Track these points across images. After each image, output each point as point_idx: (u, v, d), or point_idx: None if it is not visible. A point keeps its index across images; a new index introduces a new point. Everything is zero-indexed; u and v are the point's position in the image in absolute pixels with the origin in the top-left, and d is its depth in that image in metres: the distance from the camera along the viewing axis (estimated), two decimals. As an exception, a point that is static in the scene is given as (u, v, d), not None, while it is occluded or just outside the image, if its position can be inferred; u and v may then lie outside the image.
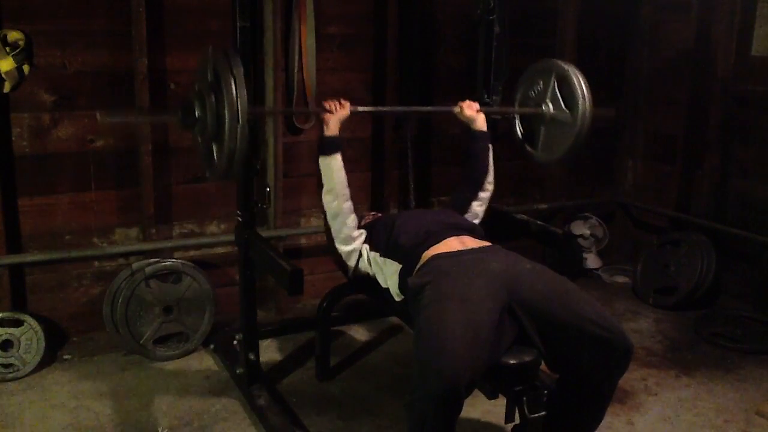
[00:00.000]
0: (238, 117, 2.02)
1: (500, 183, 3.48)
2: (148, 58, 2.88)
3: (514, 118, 2.88)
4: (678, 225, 3.88)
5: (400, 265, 2.23)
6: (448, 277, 2.00)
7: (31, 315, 2.80)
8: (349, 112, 2.43)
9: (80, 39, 2.82)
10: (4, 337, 2.72)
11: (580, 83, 2.61)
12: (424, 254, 2.17)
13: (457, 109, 2.68)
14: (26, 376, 2.74)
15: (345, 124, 2.46)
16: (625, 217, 4.29)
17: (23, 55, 2.70)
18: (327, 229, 2.43)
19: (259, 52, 3.07)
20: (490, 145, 2.69)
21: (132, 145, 2.96)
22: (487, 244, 2.26)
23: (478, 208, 2.64)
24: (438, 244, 2.18)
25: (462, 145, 2.75)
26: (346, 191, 2.38)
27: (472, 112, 2.66)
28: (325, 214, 2.41)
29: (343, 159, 2.38)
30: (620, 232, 4.31)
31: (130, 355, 2.93)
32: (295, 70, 3.18)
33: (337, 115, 2.40)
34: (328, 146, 2.37)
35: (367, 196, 3.58)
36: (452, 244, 2.19)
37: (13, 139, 2.79)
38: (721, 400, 2.74)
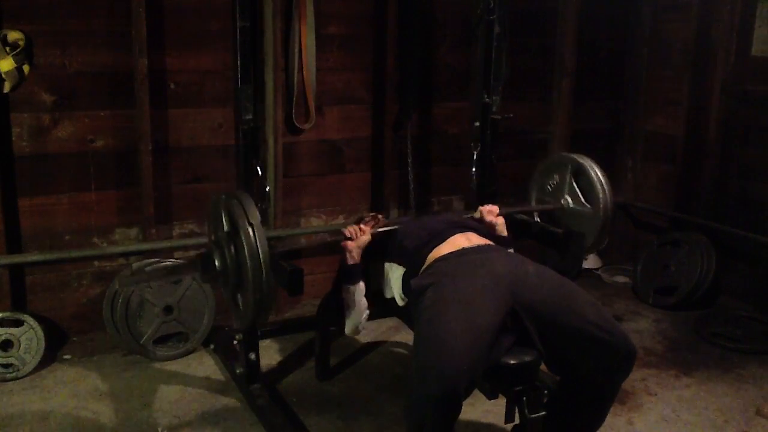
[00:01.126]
0: (262, 268, 1.93)
1: (500, 183, 3.50)
2: (148, 58, 2.87)
3: (534, 217, 2.86)
4: (678, 225, 3.88)
5: (404, 269, 2.23)
6: (451, 279, 2.00)
7: (31, 315, 2.80)
8: (370, 237, 2.38)
9: (80, 39, 2.82)
10: (4, 337, 2.72)
11: (597, 175, 2.62)
12: (429, 256, 2.17)
13: (477, 215, 2.57)
14: (26, 376, 2.74)
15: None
16: (625, 217, 4.29)
17: (23, 55, 2.70)
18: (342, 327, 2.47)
19: (259, 52, 3.07)
20: (512, 250, 2.50)
21: (132, 145, 2.96)
22: (491, 243, 2.26)
23: None
24: (443, 243, 2.18)
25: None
26: (366, 313, 2.39)
27: (492, 217, 2.53)
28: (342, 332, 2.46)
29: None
30: (620, 232, 4.30)
31: (130, 355, 2.93)
32: (295, 70, 3.18)
33: (357, 242, 2.36)
34: (353, 276, 2.35)
35: (367, 196, 3.58)
36: (458, 241, 2.19)
37: (13, 139, 2.79)
38: (721, 400, 2.74)
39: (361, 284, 2.35)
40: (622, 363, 1.95)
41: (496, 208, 2.57)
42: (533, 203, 2.87)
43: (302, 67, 3.20)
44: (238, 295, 2.08)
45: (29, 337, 2.76)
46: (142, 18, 2.83)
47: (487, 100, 3.00)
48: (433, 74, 3.61)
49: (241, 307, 2.09)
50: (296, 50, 3.16)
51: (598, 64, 4.06)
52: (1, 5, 2.67)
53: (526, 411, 1.97)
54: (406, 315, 2.28)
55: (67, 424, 2.45)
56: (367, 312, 2.39)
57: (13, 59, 2.67)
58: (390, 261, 2.32)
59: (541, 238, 2.82)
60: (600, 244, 2.72)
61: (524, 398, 1.97)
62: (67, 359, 2.90)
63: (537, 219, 2.89)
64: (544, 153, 3.83)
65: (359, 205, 3.48)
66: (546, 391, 2.03)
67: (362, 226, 2.39)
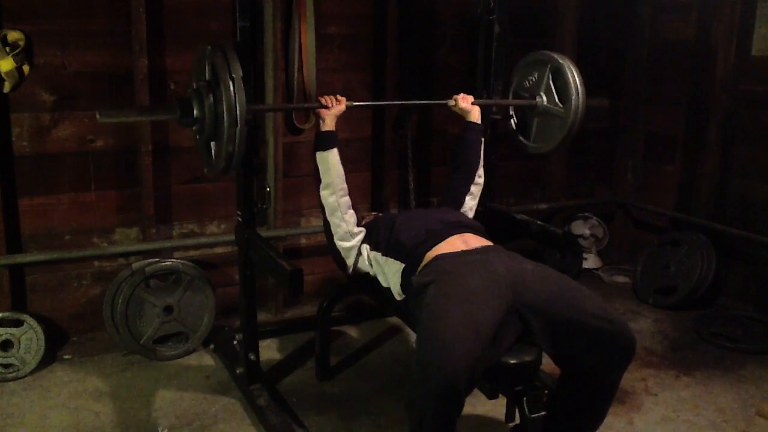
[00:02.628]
0: (237, 120, 2.03)
1: (500, 183, 3.50)
2: (148, 58, 2.88)
3: (508, 110, 2.90)
4: (678, 225, 3.88)
5: (403, 265, 2.23)
6: (452, 277, 2.00)
7: (31, 315, 2.80)
8: (345, 107, 2.44)
9: (80, 39, 2.82)
10: (4, 337, 2.72)
11: (574, 77, 2.65)
12: (427, 254, 2.17)
13: (451, 102, 2.72)
14: (26, 376, 2.74)
15: (344, 124, 2.46)
16: (625, 217, 4.29)
17: (23, 55, 2.70)
18: (326, 226, 2.43)
19: (259, 52, 3.07)
20: (483, 139, 2.72)
21: (132, 145, 2.96)
22: (489, 243, 2.26)
23: (470, 202, 2.66)
24: (441, 244, 2.19)
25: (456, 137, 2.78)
26: (344, 186, 2.39)
27: (466, 103, 2.71)
28: (323, 210, 2.42)
29: (343, 158, 2.39)
30: (620, 232, 4.31)
31: (130, 355, 2.93)
32: (295, 70, 3.18)
33: (332, 110, 2.41)
34: (324, 141, 2.38)
35: (367, 196, 3.58)
36: (455, 243, 2.19)
37: (13, 139, 2.79)
38: (721, 400, 2.74)
39: (335, 150, 2.37)
40: (623, 353, 1.95)
41: (470, 97, 2.72)
42: (510, 96, 2.89)
43: (302, 67, 3.20)
44: (211, 143, 2.17)
45: (29, 337, 2.76)
46: (142, 18, 2.83)
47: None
48: (433, 74, 3.61)
49: (213, 156, 2.17)
50: (296, 50, 3.16)
51: (597, 64, 4.06)
52: (1, 5, 2.67)
53: (526, 411, 1.97)
54: (405, 313, 2.28)
55: (67, 424, 2.45)
56: (346, 186, 2.39)
57: (13, 59, 2.67)
58: (385, 255, 2.32)
59: (541, 238, 2.82)
60: (565, 143, 2.73)
61: (524, 398, 1.97)
62: (67, 359, 2.90)
63: (512, 111, 2.93)
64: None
65: (359, 205, 3.47)
66: (546, 391, 2.03)
67: (338, 96, 2.43)
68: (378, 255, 2.35)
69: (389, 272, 2.29)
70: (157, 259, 2.97)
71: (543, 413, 1.98)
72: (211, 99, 2.09)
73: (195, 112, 2.14)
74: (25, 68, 2.72)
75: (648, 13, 3.99)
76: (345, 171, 2.39)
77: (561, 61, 2.68)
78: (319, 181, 2.40)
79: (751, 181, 3.61)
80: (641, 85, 4.09)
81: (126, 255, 3.06)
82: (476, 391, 2.09)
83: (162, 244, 3.08)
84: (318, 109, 2.42)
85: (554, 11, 3.83)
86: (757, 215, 3.56)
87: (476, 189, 2.68)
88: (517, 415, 2.01)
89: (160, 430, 2.43)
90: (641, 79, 4.08)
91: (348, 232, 2.40)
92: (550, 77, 2.72)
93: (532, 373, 1.98)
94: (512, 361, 1.92)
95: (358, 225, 2.47)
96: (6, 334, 2.73)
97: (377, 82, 3.46)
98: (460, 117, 2.74)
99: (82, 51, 2.83)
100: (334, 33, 3.32)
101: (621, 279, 4.02)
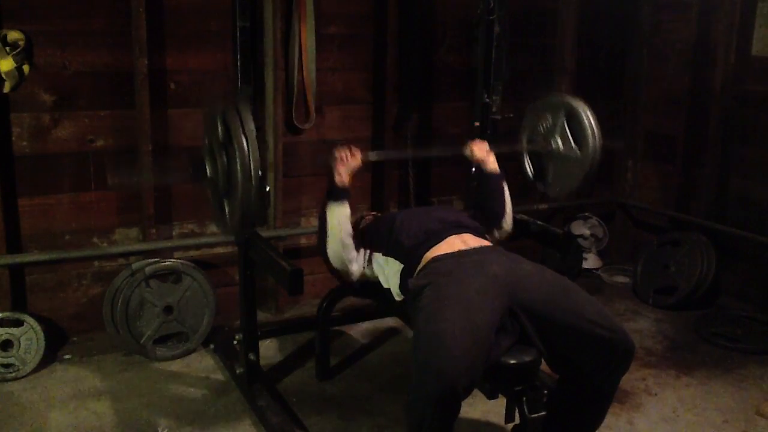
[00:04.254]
0: (252, 180, 1.95)
1: (500, 183, 3.49)
2: (148, 58, 2.87)
3: (523, 156, 2.84)
4: (678, 225, 3.88)
5: (402, 265, 2.23)
6: (448, 279, 1.99)
7: (31, 315, 2.80)
8: (360, 162, 2.36)
9: (80, 39, 2.82)
10: (4, 337, 2.72)
11: (589, 120, 2.57)
12: (425, 255, 2.16)
13: (467, 151, 2.65)
14: (26, 376, 2.74)
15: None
16: (625, 217, 4.29)
17: (23, 55, 2.70)
18: (323, 254, 2.38)
19: (259, 52, 3.07)
20: (505, 183, 2.61)
21: (132, 145, 2.96)
22: (488, 243, 2.25)
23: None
24: (439, 244, 2.18)
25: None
26: (351, 241, 2.31)
27: (483, 153, 2.61)
28: (325, 257, 2.36)
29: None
30: (620, 232, 4.31)
31: (130, 355, 2.93)
32: (295, 70, 3.18)
33: (348, 165, 2.33)
34: (339, 194, 2.30)
35: (367, 196, 3.58)
36: (454, 242, 2.18)
37: (13, 139, 2.79)
38: (721, 400, 2.74)
39: (347, 205, 2.29)
40: (621, 359, 1.95)
41: (485, 144, 2.64)
42: (524, 143, 2.83)
43: (302, 67, 3.20)
44: (225, 201, 2.10)
45: (29, 337, 2.76)
46: (142, 18, 2.83)
47: (487, 100, 3.00)
48: (433, 74, 3.61)
49: (227, 215, 2.10)
50: (296, 50, 3.16)
51: (598, 64, 4.06)
52: (1, 5, 2.67)
53: (526, 411, 1.97)
54: (405, 314, 2.28)
55: (67, 424, 2.45)
56: (352, 239, 2.30)
57: (13, 59, 2.67)
58: (386, 254, 2.31)
59: (541, 238, 2.82)
60: (584, 187, 2.68)
61: (524, 398, 1.97)
62: (67, 359, 2.90)
63: (527, 157, 2.83)
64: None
65: (359, 205, 3.47)
66: (546, 391, 2.03)
67: (353, 149, 2.35)
68: (379, 255, 2.35)
69: (390, 272, 2.29)
70: (157, 259, 2.97)
71: (543, 413, 1.98)
72: (225, 158, 2.02)
73: (208, 170, 2.08)
74: (25, 68, 2.72)
75: (648, 13, 3.99)
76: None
77: (576, 105, 2.61)
78: (324, 236, 2.31)
79: (751, 181, 3.61)
80: (641, 85, 4.09)
81: (126, 255, 3.06)
82: (476, 391, 2.09)
83: (162, 244, 3.08)
84: (334, 163, 2.34)
85: (554, 11, 3.83)
86: (757, 215, 3.56)
87: (498, 235, 2.59)
88: (517, 415, 2.01)
89: (160, 430, 2.43)
90: (641, 79, 4.08)
91: (353, 272, 2.36)
92: (565, 121, 2.65)
93: (532, 373, 1.98)
94: (512, 361, 1.92)
95: (358, 225, 2.46)
96: (6, 334, 2.73)
97: (377, 82, 3.46)
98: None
99: (82, 51, 2.83)
100: (334, 33, 3.31)
101: (621, 279, 4.02)
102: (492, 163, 2.62)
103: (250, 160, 1.94)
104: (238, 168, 1.94)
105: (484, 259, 2.10)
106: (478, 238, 2.25)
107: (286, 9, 3.13)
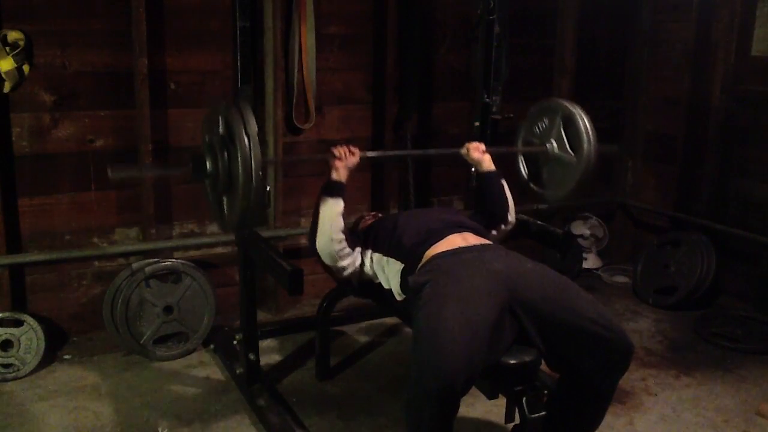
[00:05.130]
0: (252, 177, 1.97)
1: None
2: (148, 58, 2.88)
3: (518, 157, 2.86)
4: (678, 225, 3.88)
5: (403, 265, 2.23)
6: (448, 276, 2.00)
7: (31, 315, 2.80)
8: (358, 159, 2.39)
9: (80, 39, 2.82)
10: (4, 337, 2.72)
11: (585, 125, 2.61)
12: (426, 253, 2.17)
13: (463, 151, 2.66)
14: (26, 376, 2.74)
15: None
16: (625, 217, 4.29)
17: (23, 55, 2.70)
18: (311, 245, 2.39)
19: (259, 52, 3.07)
20: (504, 181, 2.63)
21: (132, 145, 2.96)
22: (489, 241, 2.26)
23: (493, 233, 2.57)
24: (440, 242, 2.18)
25: (472, 173, 2.74)
26: (342, 236, 2.32)
27: (478, 154, 2.63)
28: (319, 258, 2.37)
29: (350, 180, 2.36)
30: (620, 232, 4.31)
31: (130, 355, 2.93)
32: (295, 70, 3.18)
33: (346, 162, 2.36)
34: (334, 189, 2.33)
35: (367, 196, 3.58)
36: (454, 240, 2.18)
37: (13, 139, 2.79)
38: (721, 400, 2.74)
39: (341, 201, 2.32)
40: (620, 359, 1.95)
41: (482, 145, 2.65)
42: (520, 144, 2.87)
43: (302, 67, 3.20)
44: (224, 198, 2.13)
45: (29, 337, 2.76)
46: (142, 18, 2.83)
47: (487, 100, 3.00)
48: (433, 74, 3.61)
49: (225, 211, 2.13)
50: (296, 50, 3.16)
51: (598, 64, 4.06)
52: (1, 5, 2.67)
53: (526, 411, 1.97)
54: (405, 313, 2.28)
55: (67, 424, 2.45)
56: (342, 235, 2.32)
57: (13, 59, 2.67)
58: (387, 255, 2.32)
59: (541, 238, 2.82)
60: (578, 190, 2.71)
61: (524, 398, 1.97)
62: (67, 359, 2.90)
63: (521, 158, 2.87)
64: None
65: (359, 205, 3.48)
66: (546, 391, 2.03)
67: (352, 148, 2.39)
68: (381, 256, 2.35)
69: (390, 273, 2.29)
70: (157, 259, 2.97)
71: (543, 413, 1.98)
72: (226, 155, 2.04)
73: (208, 166, 2.10)
74: (25, 68, 2.72)
75: (648, 13, 3.99)
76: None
77: (572, 109, 2.64)
78: (315, 229, 2.33)
79: (751, 181, 3.61)
80: (641, 85, 4.09)
81: (126, 255, 3.06)
82: (476, 391, 2.10)
83: (162, 244, 3.08)
84: (332, 160, 2.37)
85: (554, 11, 3.83)
86: (757, 215, 3.56)
87: (505, 228, 2.60)
88: (517, 415, 2.01)
89: (160, 430, 2.43)
90: (641, 79, 4.08)
91: (343, 267, 2.35)
92: (561, 125, 2.68)
93: (532, 373, 1.98)
94: (512, 361, 1.92)
95: (358, 226, 2.46)
96: (6, 334, 2.73)
97: (377, 82, 3.46)
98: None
99: (82, 51, 2.84)
100: (333, 33, 3.32)
101: (621, 279, 4.02)
102: (488, 163, 2.63)
103: (251, 157, 1.96)
104: (239, 167, 1.96)
105: (485, 257, 2.10)
106: (479, 237, 2.25)
107: (286, 9, 3.13)
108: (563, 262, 3.90)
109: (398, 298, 2.27)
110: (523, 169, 2.87)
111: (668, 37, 3.92)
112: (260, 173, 1.98)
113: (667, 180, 3.98)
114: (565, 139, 2.68)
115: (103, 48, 2.87)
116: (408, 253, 2.22)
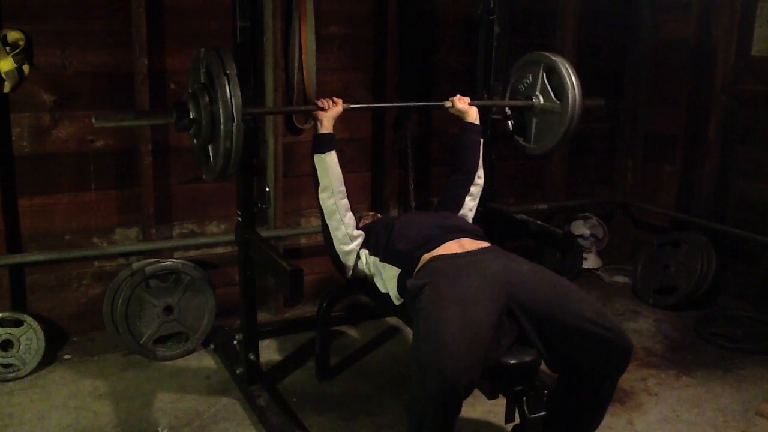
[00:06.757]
0: (233, 116, 2.04)
1: (500, 183, 3.50)
2: (148, 58, 2.88)
3: (505, 112, 2.90)
4: (678, 225, 3.88)
5: (399, 270, 2.23)
6: (446, 278, 2.00)
7: (31, 315, 2.80)
8: (342, 109, 2.43)
9: (80, 39, 2.82)
10: (4, 337, 2.72)
11: (568, 73, 2.67)
12: (422, 257, 2.17)
13: (448, 104, 2.71)
14: (26, 376, 2.74)
15: (343, 124, 2.45)
16: (625, 217, 4.29)
17: (23, 55, 2.70)
18: (324, 229, 2.43)
19: (259, 52, 3.07)
20: (482, 139, 2.71)
21: (132, 145, 2.96)
22: (486, 245, 2.25)
23: (470, 203, 2.65)
24: (437, 248, 2.19)
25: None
26: (342, 188, 2.38)
27: (463, 105, 2.69)
28: (322, 213, 2.41)
29: (341, 159, 2.39)
30: (620, 232, 4.31)
31: (130, 355, 2.93)
32: (295, 70, 3.18)
33: (330, 112, 2.40)
34: (323, 143, 2.38)
35: (367, 196, 3.58)
36: (451, 247, 2.19)
37: (13, 139, 2.79)
38: (721, 400, 2.74)
39: (333, 153, 2.36)
40: (619, 359, 1.95)
41: (467, 98, 2.71)
42: (507, 99, 2.90)
43: (302, 67, 3.20)
44: (209, 147, 2.18)
45: (29, 337, 2.76)
46: (142, 18, 2.83)
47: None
48: (433, 74, 3.61)
49: (211, 158, 2.18)
50: (296, 50, 3.16)
51: (598, 64, 4.06)
52: (1, 5, 2.67)
53: (526, 411, 1.97)
54: (404, 314, 2.28)
55: (67, 424, 2.45)
56: (344, 188, 2.38)
57: (13, 59, 2.67)
58: (383, 261, 2.32)
59: (541, 238, 2.82)
60: (564, 141, 2.75)
61: (524, 398, 1.97)
62: (67, 359, 2.90)
63: (508, 112, 2.91)
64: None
65: (359, 205, 3.48)
66: (546, 391, 2.03)
67: (335, 98, 2.43)
68: (377, 260, 2.35)
69: (387, 278, 2.29)
70: (157, 259, 2.97)
71: (543, 413, 1.98)
72: (207, 98, 2.10)
73: (191, 113, 2.15)
74: (25, 68, 2.72)
75: (648, 13, 3.99)
76: (344, 171, 2.39)
77: (554, 59, 2.70)
78: (317, 183, 2.38)
79: (751, 181, 3.61)
80: (641, 85, 4.09)
81: (126, 255, 3.06)
82: (476, 391, 2.09)
83: (162, 244, 3.08)
84: (315, 112, 2.41)
85: (554, 11, 3.83)
86: (757, 215, 3.56)
87: (476, 190, 2.67)
88: (517, 415, 2.01)
89: (160, 430, 2.43)
90: (641, 79, 4.08)
91: (347, 234, 2.39)
92: (545, 76, 2.73)
93: (532, 373, 1.98)
94: (512, 361, 1.92)
95: (357, 225, 2.47)
96: (6, 334, 2.73)
97: (377, 82, 3.46)
98: (459, 117, 2.73)
99: (82, 51, 2.83)
100: (334, 33, 3.32)
101: (621, 279, 4.02)
102: (474, 115, 2.69)
103: (231, 96, 2.04)
104: (220, 105, 2.04)
105: (482, 259, 2.10)
106: (476, 241, 2.25)
107: (286, 9, 3.13)
108: (563, 262, 3.92)
109: (396, 302, 2.27)
110: (510, 125, 2.93)
111: (668, 37, 3.92)
112: (241, 115, 2.06)
113: (667, 180, 3.98)
114: (550, 89, 2.73)
115: (103, 48, 2.87)
116: (404, 259, 2.23)
